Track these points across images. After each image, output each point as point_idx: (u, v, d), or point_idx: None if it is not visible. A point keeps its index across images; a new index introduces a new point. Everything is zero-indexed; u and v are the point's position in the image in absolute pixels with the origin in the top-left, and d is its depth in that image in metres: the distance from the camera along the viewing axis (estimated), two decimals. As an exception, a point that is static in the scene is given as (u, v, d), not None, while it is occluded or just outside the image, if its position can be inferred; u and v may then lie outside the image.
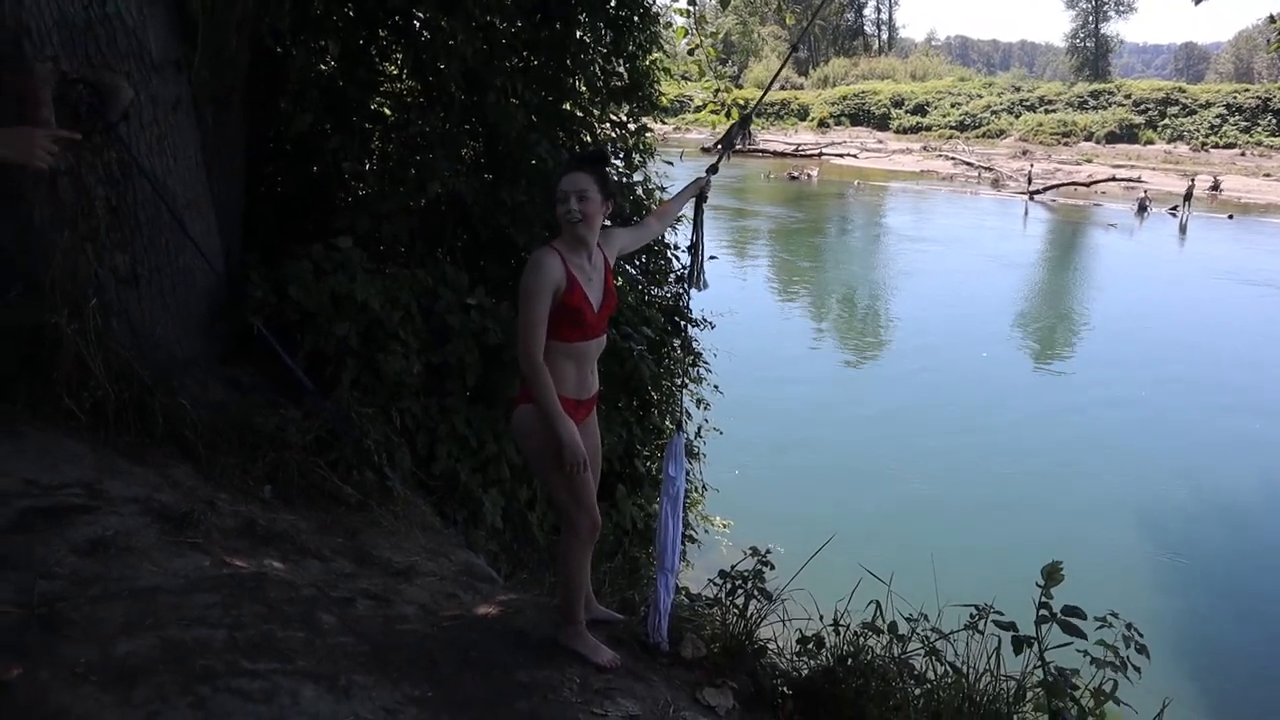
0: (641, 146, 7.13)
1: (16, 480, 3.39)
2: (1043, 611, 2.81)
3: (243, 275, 4.71)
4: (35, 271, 3.95)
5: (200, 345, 4.60)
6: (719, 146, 3.90)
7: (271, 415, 4.32)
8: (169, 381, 4.16)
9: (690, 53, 7.91)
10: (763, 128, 63.84)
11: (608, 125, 7.05)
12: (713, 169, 3.51)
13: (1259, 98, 55.31)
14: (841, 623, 3.29)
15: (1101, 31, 74.32)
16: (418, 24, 5.99)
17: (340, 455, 4.29)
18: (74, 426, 3.86)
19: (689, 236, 3.56)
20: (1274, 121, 53.61)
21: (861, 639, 3.19)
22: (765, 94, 5.48)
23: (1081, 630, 2.83)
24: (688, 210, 3.55)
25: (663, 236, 6.99)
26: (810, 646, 3.26)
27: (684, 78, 9.63)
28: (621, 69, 6.93)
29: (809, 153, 54.11)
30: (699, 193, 3.40)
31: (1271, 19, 6.11)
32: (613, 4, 6.59)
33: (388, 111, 6.25)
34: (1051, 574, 2.80)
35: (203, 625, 2.80)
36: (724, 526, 8.61)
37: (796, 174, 45.86)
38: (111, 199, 4.12)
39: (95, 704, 2.31)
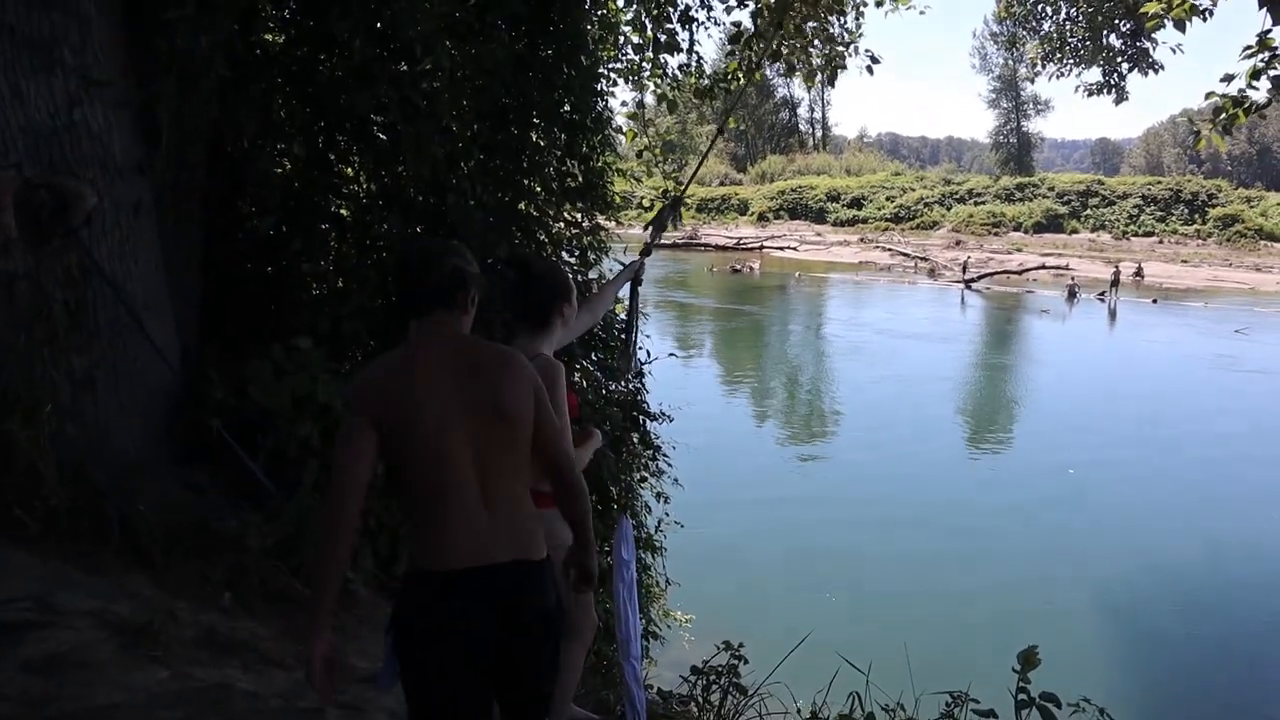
0: (596, 245, 7.25)
1: (-36, 595, 3.26)
2: (1022, 697, 2.83)
3: (202, 375, 4.66)
4: (-12, 377, 3.87)
5: (158, 447, 4.51)
6: (649, 230, 4.00)
7: (230, 518, 4.22)
8: (125, 485, 4.07)
9: (639, 155, 8.17)
10: (704, 222, 65.28)
11: (561, 224, 7.17)
12: (645, 251, 3.59)
13: (1170, 189, 58.43)
14: (820, 715, 3.27)
15: (1023, 128, 78.11)
16: (375, 128, 6.10)
17: (302, 559, 4.19)
18: (24, 536, 3.73)
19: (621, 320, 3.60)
20: (1185, 211, 56.52)
21: (841, 732, 3.18)
22: (691, 179, 5.77)
23: (1057, 718, 2.85)
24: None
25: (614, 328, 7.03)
26: (790, 741, 3.23)
27: (632, 176, 9.89)
28: (575, 170, 7.11)
29: (750, 246, 55.40)
30: (634, 276, 3.46)
31: (1190, 120, 6.53)
32: (566, 109, 6.79)
33: (345, 213, 6.30)
34: (1028, 659, 2.83)
35: (167, 743, 2.69)
36: (685, 621, 8.48)
37: (739, 267, 46.79)
38: (70, 302, 4.09)
39: (57, 833, 2.19)
